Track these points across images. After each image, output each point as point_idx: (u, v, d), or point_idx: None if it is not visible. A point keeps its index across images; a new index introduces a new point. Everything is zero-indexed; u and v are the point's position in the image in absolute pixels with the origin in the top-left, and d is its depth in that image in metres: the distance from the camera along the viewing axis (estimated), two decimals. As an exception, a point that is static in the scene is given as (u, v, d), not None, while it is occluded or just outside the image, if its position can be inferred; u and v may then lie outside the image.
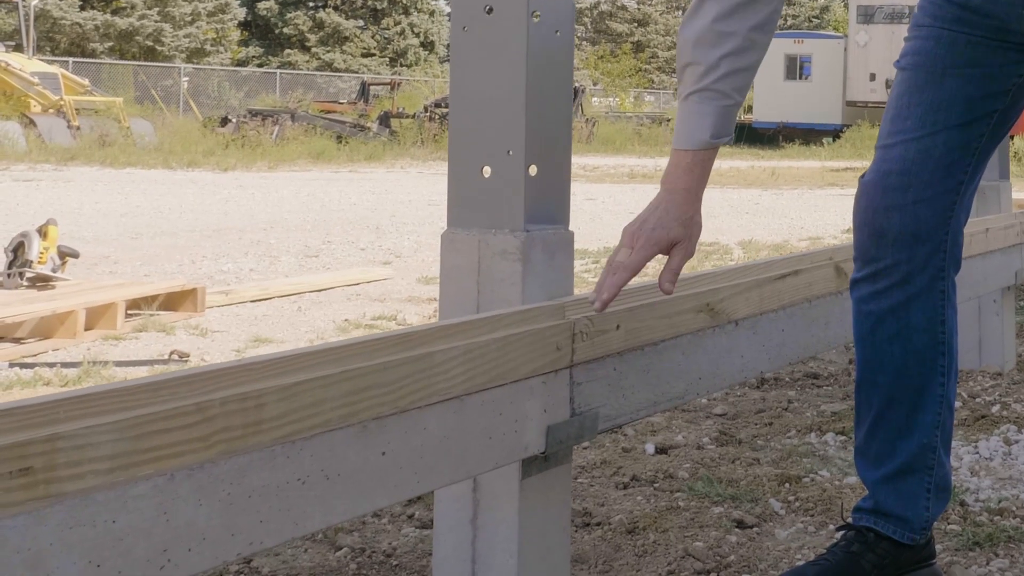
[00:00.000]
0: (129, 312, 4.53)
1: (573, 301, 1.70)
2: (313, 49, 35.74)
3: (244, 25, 35.88)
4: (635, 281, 1.70)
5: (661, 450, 2.58)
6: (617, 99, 36.63)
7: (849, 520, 1.87)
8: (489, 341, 1.52)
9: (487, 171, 1.66)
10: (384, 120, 22.28)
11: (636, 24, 44.36)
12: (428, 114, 22.48)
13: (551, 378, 1.62)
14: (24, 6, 22.85)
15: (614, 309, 1.76)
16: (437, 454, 1.44)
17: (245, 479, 1.21)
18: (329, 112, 23.37)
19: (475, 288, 1.65)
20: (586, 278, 5.79)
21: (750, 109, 29.58)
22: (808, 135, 26.12)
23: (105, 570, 1.08)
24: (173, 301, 4.75)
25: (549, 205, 1.66)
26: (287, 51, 35.74)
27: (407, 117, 22.60)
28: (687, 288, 1.94)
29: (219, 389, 1.19)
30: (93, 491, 1.07)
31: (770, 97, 26.91)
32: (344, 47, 35.98)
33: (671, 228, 1.59)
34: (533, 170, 1.66)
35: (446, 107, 22.93)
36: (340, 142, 20.16)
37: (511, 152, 1.65)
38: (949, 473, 1.85)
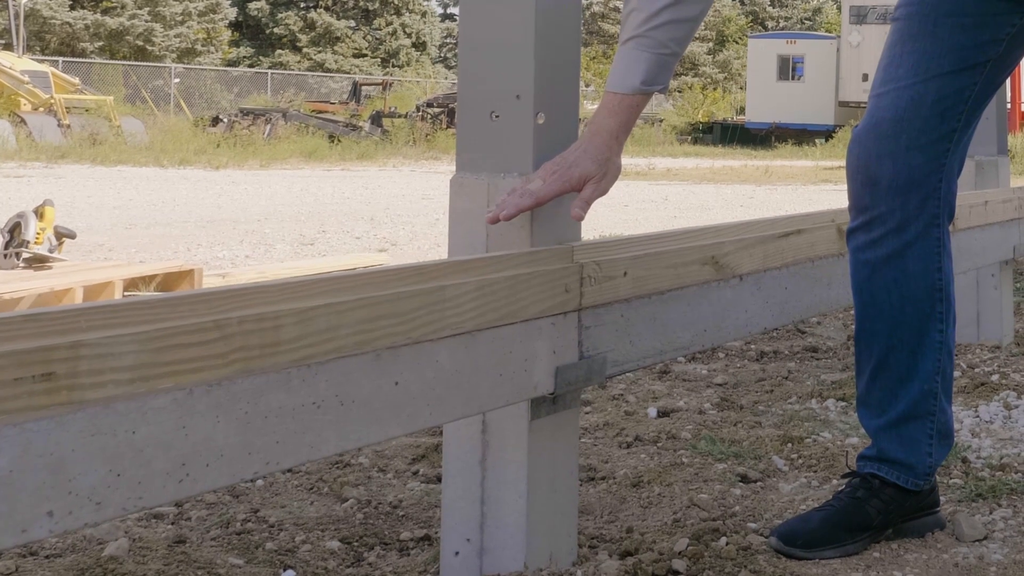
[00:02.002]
0: (126, 292, 4.53)
1: (582, 246, 1.71)
2: (304, 49, 35.72)
3: (235, 25, 35.85)
4: (642, 231, 1.71)
5: (663, 414, 2.59)
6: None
7: (854, 468, 1.89)
8: (499, 279, 1.52)
9: (496, 115, 1.67)
10: (376, 119, 22.25)
11: (627, 26, 44.29)
12: (420, 114, 22.48)
13: (560, 320, 1.63)
14: (14, 5, 22.84)
15: (621, 256, 1.77)
16: (449, 387, 1.44)
17: (262, 399, 1.21)
18: (321, 112, 23.35)
19: (483, 232, 1.66)
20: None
21: (743, 110, 29.63)
22: (801, 135, 26.15)
23: (125, 479, 1.09)
24: (170, 282, 4.75)
25: (557, 150, 1.67)
26: (278, 51, 35.72)
27: (399, 117, 22.58)
28: (692, 240, 1.95)
29: (237, 308, 1.20)
30: (114, 400, 1.07)
31: (763, 98, 26.97)
32: (335, 47, 35.97)
33: (586, 166, 1.62)
34: (541, 118, 1.67)
35: (438, 107, 22.95)
36: (332, 141, 20.14)
37: (520, 96, 1.66)
38: (951, 419, 1.86)
